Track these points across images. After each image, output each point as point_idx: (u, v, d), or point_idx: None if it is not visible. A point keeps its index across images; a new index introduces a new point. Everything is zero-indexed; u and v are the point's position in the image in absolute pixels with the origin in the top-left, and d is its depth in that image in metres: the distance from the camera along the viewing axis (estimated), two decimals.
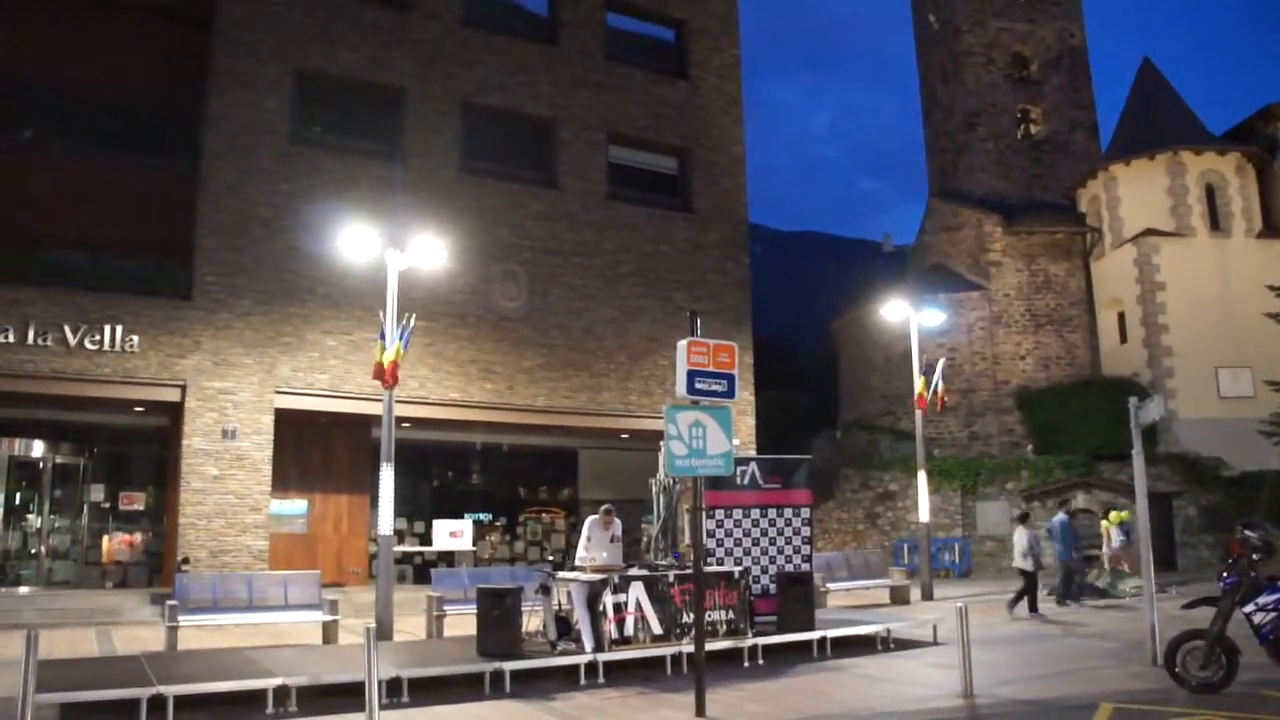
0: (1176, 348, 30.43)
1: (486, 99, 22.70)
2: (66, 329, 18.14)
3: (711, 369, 9.31)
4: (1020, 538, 17.99)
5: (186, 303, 19.24)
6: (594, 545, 12.57)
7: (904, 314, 23.60)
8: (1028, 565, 17.60)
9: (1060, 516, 19.51)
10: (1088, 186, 34.11)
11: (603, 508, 13.17)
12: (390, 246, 15.22)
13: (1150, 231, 31.17)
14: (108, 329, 18.43)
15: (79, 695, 8.63)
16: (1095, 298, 33.83)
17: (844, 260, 66.47)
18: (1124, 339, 32.34)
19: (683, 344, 9.27)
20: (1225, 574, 9.83)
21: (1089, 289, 34.05)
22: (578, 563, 12.43)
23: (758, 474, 13.87)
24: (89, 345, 18.28)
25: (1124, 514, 21.71)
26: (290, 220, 20.01)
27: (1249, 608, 9.53)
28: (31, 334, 17.89)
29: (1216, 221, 31.43)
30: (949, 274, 35.51)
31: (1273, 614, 9.43)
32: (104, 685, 8.94)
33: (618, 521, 13.18)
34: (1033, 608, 17.20)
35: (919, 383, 21.93)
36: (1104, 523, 22.39)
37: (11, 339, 17.76)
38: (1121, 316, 32.50)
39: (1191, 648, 9.54)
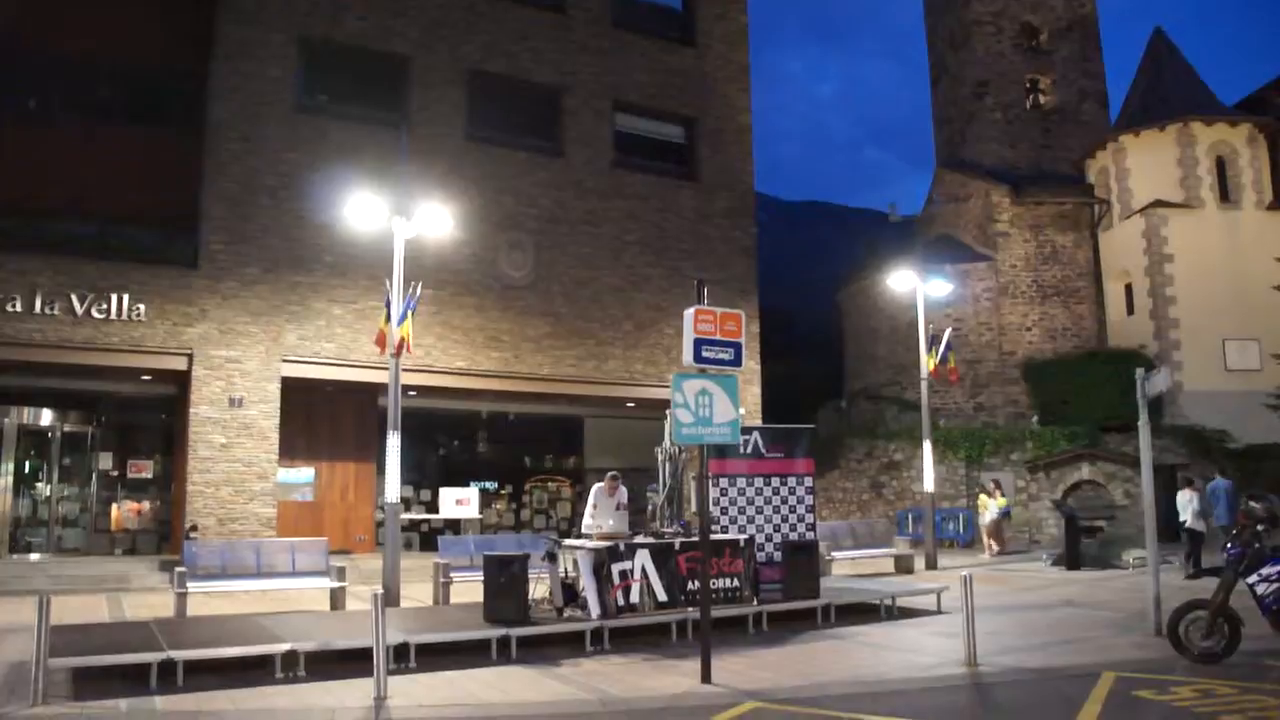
0: (1184, 320, 30.33)
1: (492, 66, 22.58)
2: (73, 298, 18.18)
3: (718, 337, 9.31)
4: (1193, 500, 18.42)
5: (193, 271, 19.25)
6: (600, 512, 12.62)
7: (910, 284, 23.55)
8: (1200, 526, 18.25)
9: (1224, 480, 19.41)
10: (1096, 157, 33.89)
11: (609, 474, 13.20)
12: (396, 215, 15.19)
13: (1159, 203, 31.00)
14: (114, 298, 18.46)
15: (91, 660, 8.73)
16: (1103, 269, 33.69)
17: (850, 230, 66.19)
18: (1131, 311, 32.25)
19: (690, 312, 9.26)
20: (1229, 545, 9.87)
21: (1096, 260, 33.90)
22: (584, 530, 12.48)
23: (760, 444, 13.89)
24: (96, 314, 18.31)
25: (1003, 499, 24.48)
26: (296, 188, 19.97)
27: (1252, 578, 9.58)
28: (39, 303, 17.92)
29: (1226, 193, 31.24)
30: (956, 244, 35.37)
31: (1276, 584, 9.48)
32: (115, 650, 9.03)
33: (623, 489, 13.22)
34: (1198, 565, 17.65)
35: (927, 353, 21.92)
36: (984, 498, 24.11)
37: (19, 308, 17.79)
38: (1129, 288, 32.39)
39: (1194, 618, 9.60)
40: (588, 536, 12.05)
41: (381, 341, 14.64)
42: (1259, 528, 9.72)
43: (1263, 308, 28.88)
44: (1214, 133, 31.42)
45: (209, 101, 19.81)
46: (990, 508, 23.54)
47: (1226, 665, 9.25)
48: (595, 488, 13.24)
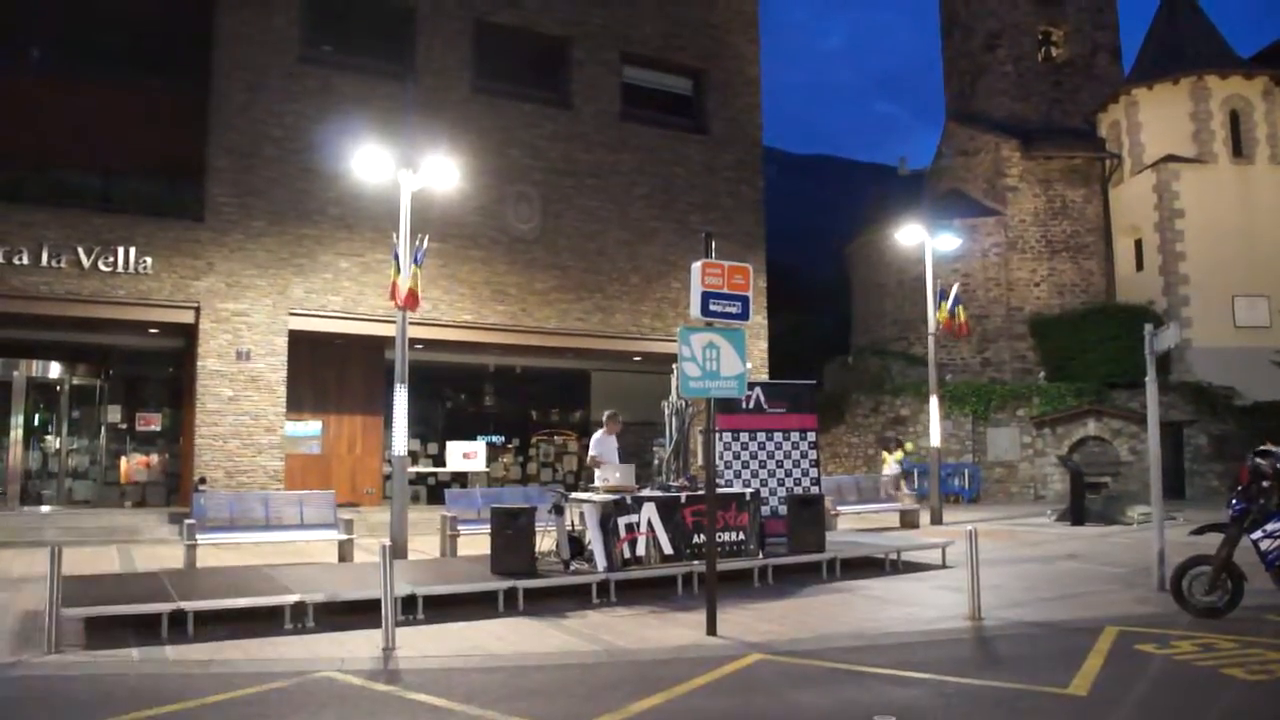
0: (1193, 276, 30.18)
1: (499, 17, 22.32)
2: (80, 251, 18.16)
3: (726, 291, 9.27)
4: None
5: (199, 224, 19.20)
6: (607, 463, 12.66)
7: (918, 239, 23.42)
8: None
9: None
10: (1108, 111, 33.55)
11: (606, 414, 13.27)
12: (403, 167, 15.11)
13: (1171, 158, 30.72)
14: (121, 250, 18.43)
15: (103, 610, 8.82)
16: (1112, 224, 33.49)
17: (858, 184, 65.69)
18: (1140, 266, 32.09)
19: (697, 265, 9.21)
20: (1234, 500, 9.88)
21: (1106, 215, 33.68)
22: (597, 483, 12.47)
23: (762, 399, 13.94)
24: (103, 267, 18.30)
25: (906, 447, 24.99)
26: (302, 140, 19.86)
27: (1257, 534, 9.60)
28: (45, 256, 17.91)
29: (1240, 148, 30.93)
30: (965, 199, 35.15)
31: (1279, 540, 9.50)
32: (126, 600, 9.13)
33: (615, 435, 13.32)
34: None
35: (936, 308, 21.85)
36: (885, 454, 24.21)
37: (26, 260, 17.78)
38: (1138, 244, 32.20)
39: (1198, 573, 9.64)
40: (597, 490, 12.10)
41: (394, 294, 14.62)
42: (1264, 484, 9.73)
43: (1273, 264, 28.75)
44: (1228, 86, 31.06)
45: (213, 51, 19.63)
46: (890, 463, 23.75)
47: (1229, 620, 9.30)
48: (596, 436, 13.29)
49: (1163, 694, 7.06)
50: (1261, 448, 10.19)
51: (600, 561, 11.03)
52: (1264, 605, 9.71)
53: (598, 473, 12.62)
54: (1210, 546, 9.87)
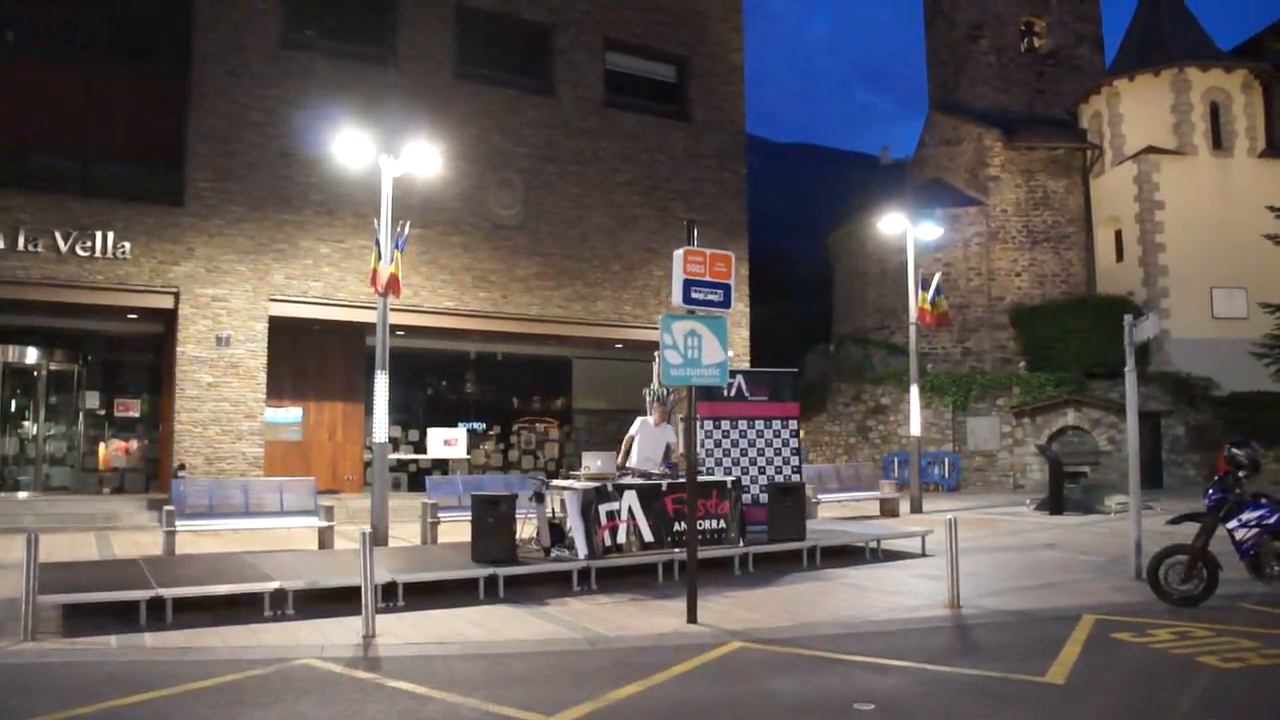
0: (1173, 267, 30.37)
1: (481, 2, 22.20)
2: (57, 235, 17.99)
3: (708, 279, 9.24)
4: None
5: (178, 209, 19.05)
6: (641, 446, 12.53)
7: (900, 228, 23.46)
8: None
9: None
10: (1090, 102, 33.67)
11: (656, 400, 13.04)
12: (384, 153, 15.03)
13: (1151, 149, 30.87)
14: (99, 235, 18.28)
15: (80, 597, 8.76)
16: (1093, 215, 33.64)
17: (841, 174, 65.82)
18: (1120, 258, 32.26)
19: (679, 253, 9.19)
20: (1211, 490, 9.96)
21: (1087, 206, 33.83)
22: (628, 466, 12.37)
23: (744, 387, 13.96)
24: (80, 252, 18.14)
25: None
26: (283, 125, 19.72)
27: (1232, 524, 9.69)
28: (22, 240, 17.74)
29: (1219, 140, 31.12)
30: (947, 188, 35.23)
31: (1254, 530, 9.59)
32: (104, 587, 9.06)
33: (669, 426, 13.00)
34: None
35: (919, 297, 21.91)
36: None
37: (1, 245, 17.61)
38: (1119, 235, 32.37)
39: (1174, 562, 9.71)
40: (629, 472, 12.05)
41: (375, 280, 14.55)
42: (1240, 474, 9.82)
43: (1251, 256, 28.92)
44: (1209, 78, 31.22)
45: (194, 35, 19.45)
46: None
47: (1204, 608, 9.38)
48: (640, 419, 13.04)
49: (1139, 682, 7.11)
50: (1238, 438, 10.27)
51: (581, 549, 11.03)
52: (1238, 594, 9.81)
53: (634, 456, 12.53)
54: (1187, 536, 9.95)
